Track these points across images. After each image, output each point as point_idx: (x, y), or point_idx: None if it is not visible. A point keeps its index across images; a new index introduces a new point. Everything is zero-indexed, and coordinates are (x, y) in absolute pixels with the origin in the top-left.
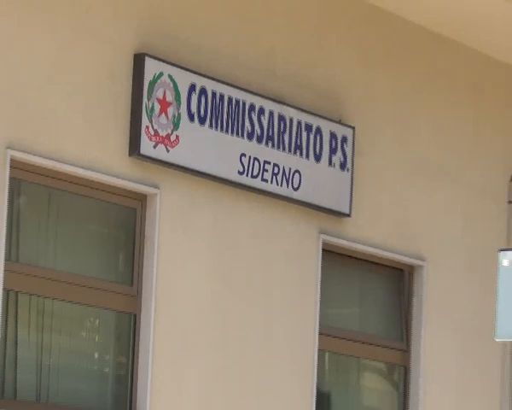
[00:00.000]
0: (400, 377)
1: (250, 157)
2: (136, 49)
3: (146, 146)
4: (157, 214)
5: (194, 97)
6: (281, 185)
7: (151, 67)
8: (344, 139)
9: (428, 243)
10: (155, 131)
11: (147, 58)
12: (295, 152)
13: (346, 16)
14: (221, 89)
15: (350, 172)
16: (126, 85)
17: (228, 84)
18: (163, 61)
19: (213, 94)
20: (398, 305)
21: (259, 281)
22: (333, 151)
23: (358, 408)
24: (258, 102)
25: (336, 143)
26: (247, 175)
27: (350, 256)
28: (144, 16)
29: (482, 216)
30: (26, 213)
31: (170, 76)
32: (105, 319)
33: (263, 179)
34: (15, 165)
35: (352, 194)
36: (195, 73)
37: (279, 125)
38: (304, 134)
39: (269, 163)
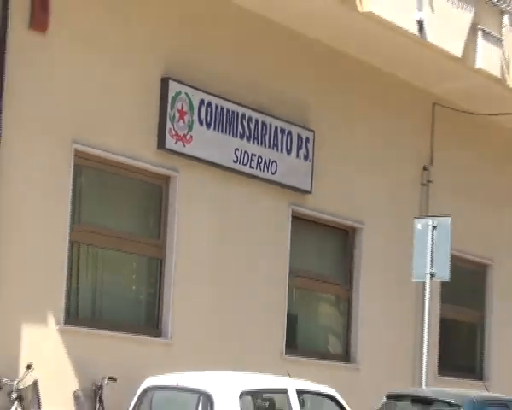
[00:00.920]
0: (344, 308)
1: (241, 151)
2: (162, 75)
3: (169, 142)
4: (177, 190)
5: (203, 109)
6: (262, 170)
7: (173, 88)
8: (307, 139)
9: (366, 212)
10: (176, 132)
11: (170, 81)
12: (273, 148)
13: (304, 55)
14: (221, 103)
15: (311, 162)
16: (156, 100)
17: (226, 99)
18: (181, 83)
19: (216, 106)
20: (344, 256)
21: (248, 237)
22: (299, 147)
23: (316, 327)
24: (248, 112)
25: (301, 142)
26: (239, 163)
27: (311, 221)
28: (168, 51)
29: (403, 194)
30: (85, 189)
31: (186, 93)
32: (140, 262)
33: (250, 167)
34: (78, 155)
35: (312, 177)
36: (203, 91)
37: (262, 129)
38: (279, 135)
39: (254, 155)
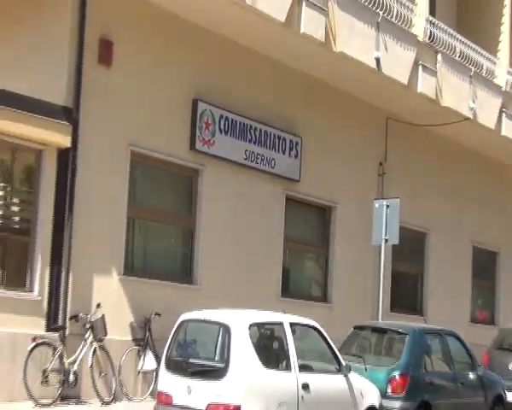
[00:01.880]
0: (323, 263)
1: (250, 151)
2: (193, 97)
3: (198, 145)
4: (203, 179)
5: (222, 121)
6: (265, 165)
7: (201, 106)
8: (296, 143)
9: (339, 196)
10: (203, 138)
11: (199, 102)
12: (272, 149)
13: (296, 84)
14: (235, 117)
15: (299, 159)
16: (189, 115)
17: (238, 115)
18: (206, 103)
19: (231, 120)
20: (323, 227)
21: (254, 213)
22: (291, 149)
23: (302, 277)
24: (254, 124)
25: (292, 145)
26: (248, 160)
27: (299, 202)
28: (197, 81)
29: (365, 182)
30: (138, 179)
31: (210, 111)
32: (177, 231)
33: (256, 163)
34: (133, 154)
35: (300, 170)
36: (223, 109)
37: (264, 136)
38: (276, 140)
39: (259, 155)
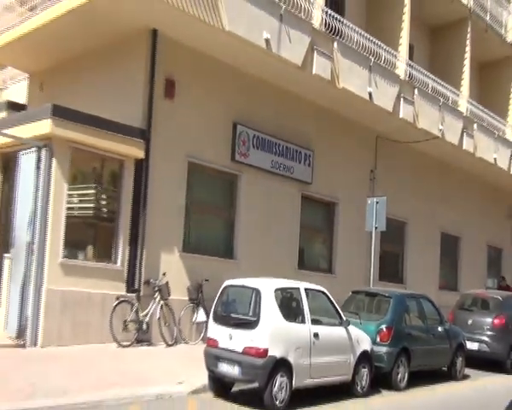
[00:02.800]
0: (329, 245)
1: (274, 161)
2: (233, 121)
3: (237, 157)
4: (241, 182)
5: (255, 139)
6: (286, 172)
7: (239, 128)
8: (309, 155)
9: (340, 194)
10: (240, 151)
11: (238, 125)
12: (291, 159)
13: (310, 110)
14: (264, 136)
15: (311, 167)
16: (230, 135)
17: (266, 134)
18: (243, 125)
19: (261, 138)
20: (328, 218)
21: (278, 207)
22: (305, 159)
23: (314, 255)
24: (277, 141)
25: (306, 157)
26: (274, 168)
27: (311, 199)
28: (237, 109)
29: (361, 184)
30: (193, 182)
31: (246, 132)
32: (221, 221)
33: (279, 170)
34: (189, 164)
35: (312, 175)
36: (255, 130)
37: (285, 150)
38: (294, 153)
39: (281, 164)
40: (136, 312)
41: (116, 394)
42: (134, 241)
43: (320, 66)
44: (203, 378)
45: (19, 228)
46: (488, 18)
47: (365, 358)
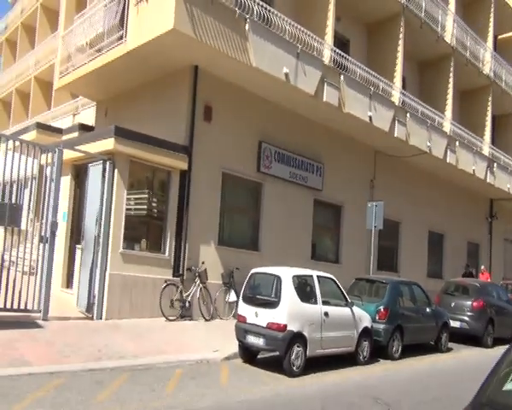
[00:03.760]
0: (336, 240)
1: (292, 172)
2: (259, 139)
3: (262, 168)
4: (265, 188)
5: (276, 154)
6: (301, 181)
7: (263, 145)
8: (320, 167)
9: (346, 199)
10: (264, 164)
11: (262, 143)
12: (305, 170)
13: (321, 132)
14: (283, 152)
15: (322, 177)
16: (256, 151)
17: (286, 150)
18: (267, 143)
19: (282, 153)
20: (336, 219)
21: (294, 210)
22: (317, 171)
23: (324, 248)
24: (294, 156)
25: (318, 169)
26: (291, 178)
27: (322, 203)
28: (261, 129)
29: (362, 191)
30: (226, 189)
31: (269, 148)
32: (249, 220)
33: (296, 179)
34: (223, 174)
35: (322, 183)
36: (276, 147)
37: (300, 163)
38: (308, 166)
39: (298, 174)
40: (181, 293)
41: (165, 358)
42: (179, 236)
43: (329, 95)
44: (234, 347)
45: (88, 225)
46: (468, 54)
47: (366, 333)
